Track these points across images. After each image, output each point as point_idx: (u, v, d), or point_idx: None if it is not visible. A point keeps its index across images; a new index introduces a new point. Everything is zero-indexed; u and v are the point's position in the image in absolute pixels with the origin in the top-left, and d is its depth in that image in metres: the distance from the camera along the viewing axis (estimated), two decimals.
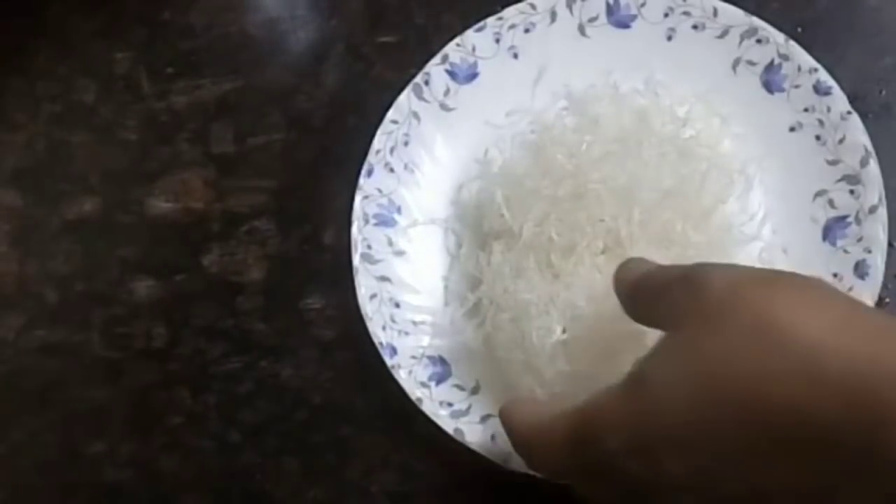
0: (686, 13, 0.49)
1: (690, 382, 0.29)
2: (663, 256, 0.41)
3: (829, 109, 0.47)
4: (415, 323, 0.47)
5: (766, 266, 0.44)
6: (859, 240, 0.45)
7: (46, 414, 0.49)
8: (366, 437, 0.47)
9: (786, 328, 0.28)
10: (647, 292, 0.35)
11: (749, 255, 0.45)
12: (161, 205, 0.52)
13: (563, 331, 0.42)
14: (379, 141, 0.49)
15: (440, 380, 0.46)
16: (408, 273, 0.48)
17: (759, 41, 0.48)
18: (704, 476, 0.29)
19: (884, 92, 0.50)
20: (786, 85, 0.48)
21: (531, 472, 0.42)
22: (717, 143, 0.47)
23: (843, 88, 0.47)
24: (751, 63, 0.49)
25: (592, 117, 0.47)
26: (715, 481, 0.29)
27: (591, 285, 0.42)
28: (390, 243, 0.48)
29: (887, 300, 0.47)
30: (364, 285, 0.47)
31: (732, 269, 0.32)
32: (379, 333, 0.46)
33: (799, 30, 0.50)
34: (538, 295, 0.43)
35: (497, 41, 0.50)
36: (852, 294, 0.44)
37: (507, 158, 0.48)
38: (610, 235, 0.43)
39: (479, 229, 0.48)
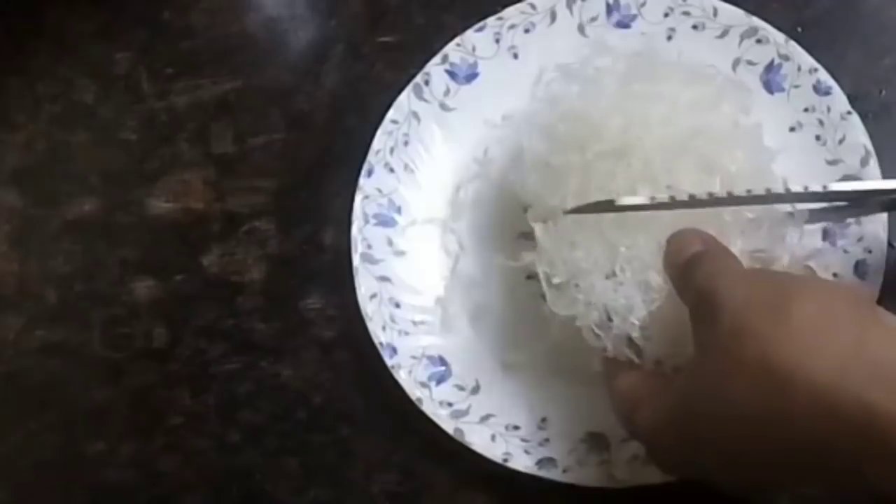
0: (686, 13, 0.49)
1: (725, 425, 0.33)
2: (709, 186, 0.41)
3: (829, 109, 0.47)
4: (415, 323, 0.47)
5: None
6: (859, 240, 0.45)
7: (46, 414, 0.49)
8: (366, 437, 0.47)
9: (793, 370, 0.31)
10: (684, 291, 0.38)
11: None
12: (161, 205, 0.52)
13: (645, 306, 0.40)
14: (379, 141, 0.49)
15: (440, 380, 0.46)
16: (408, 273, 0.48)
17: (759, 41, 0.48)
18: (745, 482, 0.35)
19: (884, 92, 0.50)
20: (786, 85, 0.48)
21: (531, 472, 0.43)
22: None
23: (842, 88, 0.47)
24: (751, 63, 0.49)
25: (590, 76, 0.45)
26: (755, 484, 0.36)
27: (654, 255, 0.40)
28: (390, 243, 0.48)
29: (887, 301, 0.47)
30: (364, 285, 0.47)
31: (743, 295, 0.34)
32: (379, 333, 0.46)
33: (799, 30, 0.50)
34: (601, 264, 0.41)
35: (497, 41, 0.50)
36: None
37: (527, 145, 0.46)
38: (652, 185, 0.41)
39: (478, 229, 0.48)
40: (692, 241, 0.38)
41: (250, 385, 0.48)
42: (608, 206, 0.40)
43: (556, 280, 0.42)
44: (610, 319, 0.40)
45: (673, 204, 0.40)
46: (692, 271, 0.37)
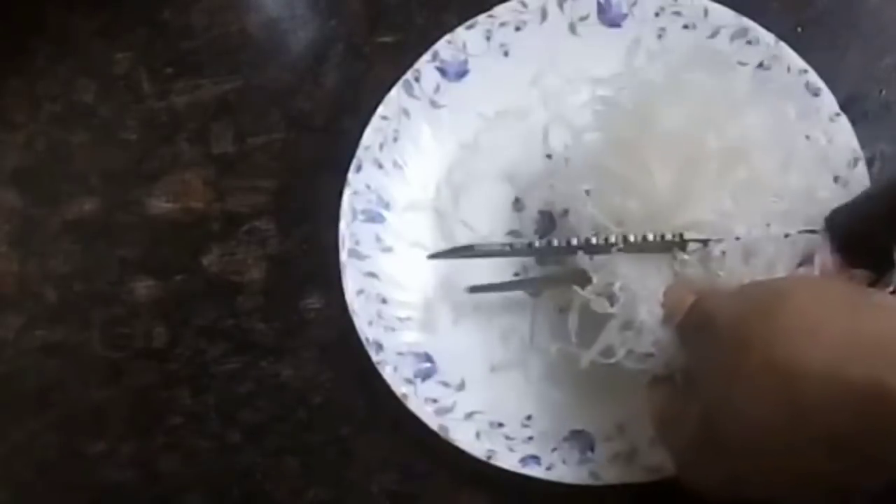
0: (677, 13, 0.49)
1: (746, 435, 0.33)
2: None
3: (818, 111, 0.47)
4: (401, 319, 0.47)
5: None
6: None
7: (46, 414, 0.49)
8: (366, 436, 0.47)
9: (797, 363, 0.31)
10: (690, 341, 0.38)
11: None
12: (161, 205, 0.52)
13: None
14: (368, 137, 0.49)
15: (426, 376, 0.46)
16: (395, 269, 0.48)
17: (749, 42, 0.48)
18: (777, 492, 0.34)
19: (884, 92, 0.50)
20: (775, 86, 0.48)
21: (522, 472, 0.43)
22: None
23: (842, 88, 0.47)
24: (741, 64, 0.48)
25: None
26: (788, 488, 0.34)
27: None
28: (378, 239, 0.48)
29: None
30: (351, 281, 0.47)
31: (733, 307, 0.34)
32: (365, 329, 0.46)
33: (799, 30, 0.50)
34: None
35: (488, 39, 0.50)
36: None
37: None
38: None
39: (468, 223, 0.49)
40: (685, 296, 0.39)
41: (250, 385, 0.48)
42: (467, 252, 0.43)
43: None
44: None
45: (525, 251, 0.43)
46: (692, 321, 0.37)
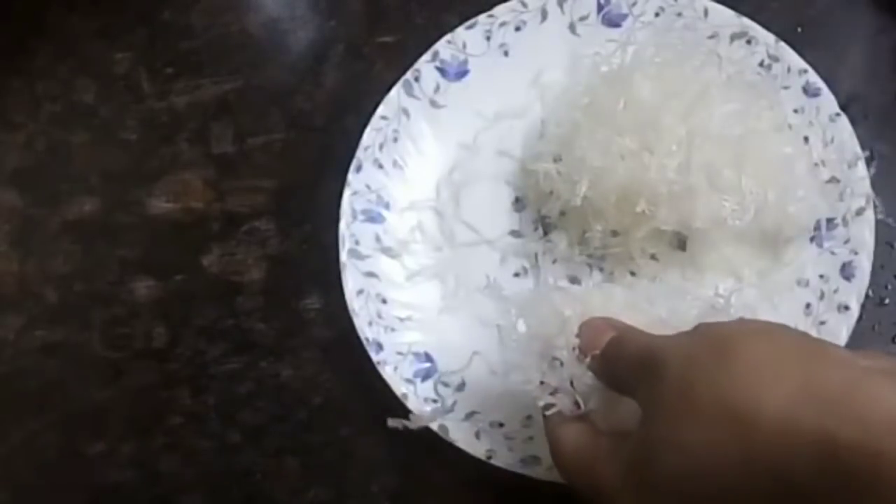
0: (677, 13, 0.49)
1: (688, 474, 0.32)
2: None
3: (818, 111, 0.47)
4: (401, 319, 0.47)
5: None
6: (846, 241, 0.45)
7: (46, 414, 0.49)
8: (366, 437, 0.47)
9: (751, 407, 0.30)
10: (613, 374, 0.37)
11: None
12: (161, 205, 0.52)
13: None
14: (368, 137, 0.49)
15: (426, 376, 0.46)
16: (394, 269, 0.48)
17: (748, 42, 0.48)
18: None
19: (884, 92, 0.50)
20: (776, 86, 0.48)
21: (522, 472, 0.43)
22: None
23: (843, 88, 0.47)
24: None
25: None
26: None
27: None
28: (378, 239, 0.48)
29: (887, 300, 0.47)
30: (351, 281, 0.47)
31: (685, 348, 0.33)
32: (365, 329, 0.46)
33: (799, 29, 0.50)
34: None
35: (488, 39, 0.50)
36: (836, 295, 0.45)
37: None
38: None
39: (467, 223, 0.49)
40: (604, 329, 0.38)
41: (250, 385, 0.48)
42: None
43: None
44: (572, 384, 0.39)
45: None
46: (615, 353, 0.37)
